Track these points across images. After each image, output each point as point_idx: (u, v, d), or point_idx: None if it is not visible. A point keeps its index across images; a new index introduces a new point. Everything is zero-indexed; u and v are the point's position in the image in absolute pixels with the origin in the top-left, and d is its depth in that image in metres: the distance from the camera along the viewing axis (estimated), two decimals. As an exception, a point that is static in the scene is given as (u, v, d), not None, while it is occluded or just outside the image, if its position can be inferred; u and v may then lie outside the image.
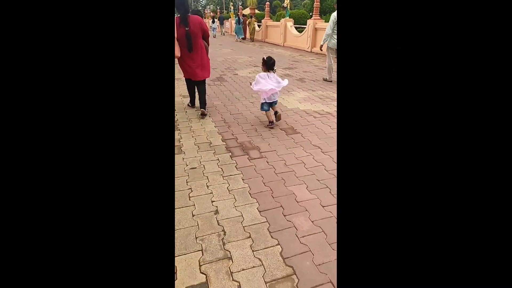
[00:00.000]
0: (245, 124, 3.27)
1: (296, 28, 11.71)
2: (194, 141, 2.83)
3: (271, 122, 3.10)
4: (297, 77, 5.83)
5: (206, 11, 25.94)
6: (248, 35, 14.48)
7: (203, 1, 66.92)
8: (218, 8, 30.47)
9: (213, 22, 17.50)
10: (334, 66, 5.18)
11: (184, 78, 3.52)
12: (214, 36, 16.79)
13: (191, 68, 3.22)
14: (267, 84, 2.92)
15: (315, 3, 9.75)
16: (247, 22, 14.39)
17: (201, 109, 3.42)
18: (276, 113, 3.08)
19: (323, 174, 2.24)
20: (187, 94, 3.89)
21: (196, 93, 3.57)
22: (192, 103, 3.77)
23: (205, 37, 3.23)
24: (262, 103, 3.07)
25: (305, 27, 10.24)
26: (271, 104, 3.09)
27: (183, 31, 3.00)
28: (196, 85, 3.43)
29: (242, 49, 11.00)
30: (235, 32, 14.76)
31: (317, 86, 5.07)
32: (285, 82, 3.00)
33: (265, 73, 3.00)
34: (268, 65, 3.00)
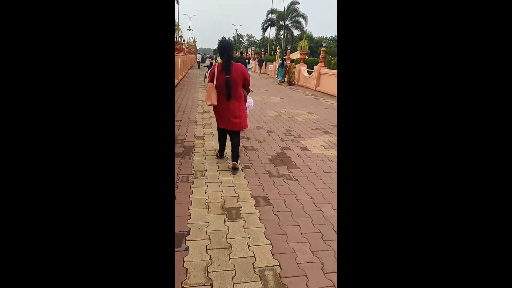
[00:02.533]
0: None
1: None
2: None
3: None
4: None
5: (248, 53, 25.80)
6: (286, 79, 14.66)
7: (246, 43, 70.01)
8: (262, 50, 30.39)
9: (249, 62, 17.00)
10: None
11: (217, 126, 3.33)
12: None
13: (227, 117, 2.96)
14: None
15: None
16: (288, 66, 14.57)
17: (233, 162, 3.04)
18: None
19: None
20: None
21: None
22: (220, 154, 3.45)
23: (246, 86, 3.07)
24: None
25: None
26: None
27: (223, 78, 2.79)
28: (230, 135, 3.12)
29: (293, 98, 9.25)
30: (277, 75, 15.15)
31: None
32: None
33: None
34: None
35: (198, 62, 25.64)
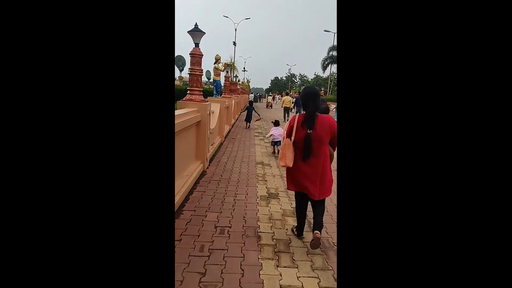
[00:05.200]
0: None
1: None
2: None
3: (274, 152, 5.92)
4: None
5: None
6: None
7: (298, 82, 69.93)
8: (322, 89, 28.62)
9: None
10: None
11: (292, 190, 2.52)
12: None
13: (303, 182, 2.30)
14: (276, 132, 5.75)
15: None
16: None
17: (315, 232, 2.22)
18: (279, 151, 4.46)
19: None
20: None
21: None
22: (299, 231, 2.52)
23: (333, 144, 2.36)
24: (271, 142, 6.05)
25: None
26: (276, 143, 5.82)
27: (303, 133, 2.25)
28: (312, 204, 2.40)
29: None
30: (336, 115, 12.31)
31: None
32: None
33: (274, 128, 5.98)
34: (276, 124, 6.19)
35: (251, 101, 24.38)
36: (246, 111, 10.32)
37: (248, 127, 9.97)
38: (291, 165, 2.27)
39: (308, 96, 2.28)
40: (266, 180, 4.14)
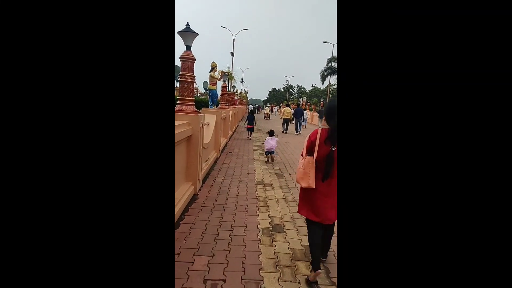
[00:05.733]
0: None
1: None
2: None
3: (267, 161, 6.13)
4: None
5: (300, 103, 23.29)
6: None
7: (296, 93, 69.90)
8: (321, 100, 28.12)
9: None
10: None
11: (306, 223, 2.23)
12: (305, 127, 15.58)
13: (323, 207, 2.02)
14: (270, 142, 6.14)
15: None
16: None
17: (321, 259, 2.16)
18: (272, 159, 6.22)
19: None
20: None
21: None
22: (315, 266, 1.99)
23: None
24: (265, 151, 6.30)
25: None
26: (269, 152, 6.17)
27: (326, 150, 1.98)
28: (324, 227, 2.14)
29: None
30: None
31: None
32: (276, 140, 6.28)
33: (268, 137, 6.25)
34: (271, 134, 6.30)
35: (252, 111, 24.11)
36: (247, 120, 10.30)
37: (250, 136, 10.06)
38: (313, 186, 2.01)
39: (333, 110, 1.98)
40: (268, 206, 3.50)
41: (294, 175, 5.14)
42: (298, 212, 2.24)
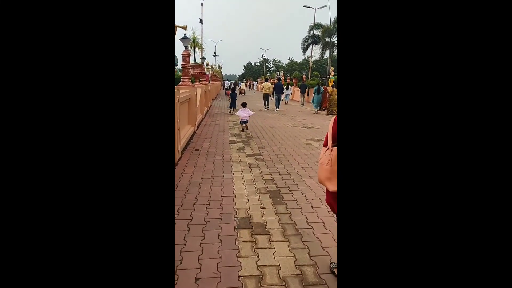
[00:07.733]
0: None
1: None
2: None
3: (242, 130, 7.21)
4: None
5: (280, 77, 19.88)
6: (327, 106, 12.35)
7: (272, 67, 69.36)
8: (304, 74, 25.70)
9: (287, 88, 16.13)
10: None
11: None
12: (286, 103, 15.94)
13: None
14: (242, 113, 7.34)
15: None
16: (329, 92, 11.99)
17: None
18: (246, 127, 7.34)
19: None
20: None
21: None
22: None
23: None
24: (240, 121, 7.45)
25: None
26: (244, 122, 7.31)
27: None
28: None
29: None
30: (313, 102, 12.90)
31: None
32: (251, 112, 7.62)
33: (241, 109, 7.49)
34: (244, 105, 7.65)
35: (226, 89, 23.25)
36: (231, 98, 10.77)
37: (232, 113, 10.30)
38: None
39: None
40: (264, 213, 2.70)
41: (261, 135, 6.40)
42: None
